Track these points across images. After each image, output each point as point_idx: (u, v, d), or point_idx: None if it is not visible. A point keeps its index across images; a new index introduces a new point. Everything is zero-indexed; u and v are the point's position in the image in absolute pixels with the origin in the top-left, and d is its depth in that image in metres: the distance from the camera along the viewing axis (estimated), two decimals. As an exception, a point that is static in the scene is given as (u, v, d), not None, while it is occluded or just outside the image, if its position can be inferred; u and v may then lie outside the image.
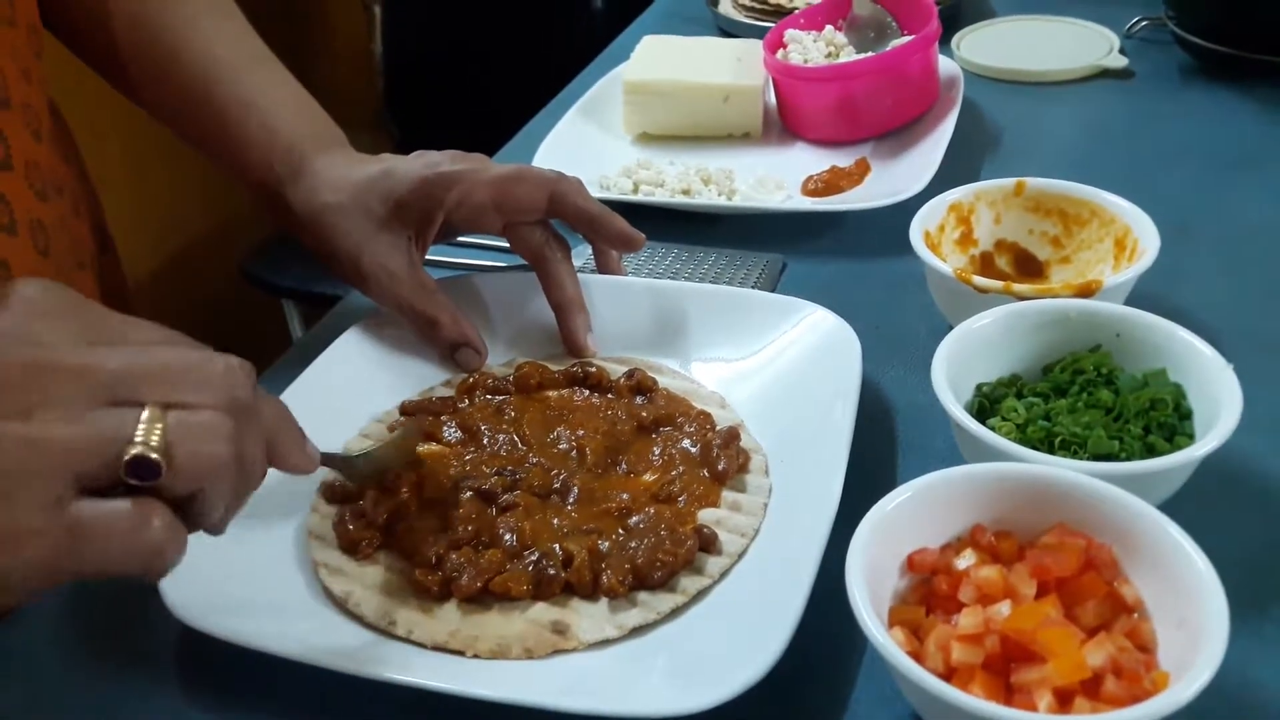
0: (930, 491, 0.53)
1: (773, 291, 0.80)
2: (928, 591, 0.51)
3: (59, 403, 0.40)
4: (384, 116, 2.17)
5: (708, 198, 0.91)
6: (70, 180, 0.72)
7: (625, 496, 0.60)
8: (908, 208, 0.76)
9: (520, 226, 0.72)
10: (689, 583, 0.55)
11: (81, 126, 0.79)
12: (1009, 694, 0.46)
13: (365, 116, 2.12)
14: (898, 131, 0.99)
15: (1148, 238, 0.71)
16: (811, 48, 1.04)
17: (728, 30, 1.24)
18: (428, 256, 0.73)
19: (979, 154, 0.97)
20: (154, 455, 0.40)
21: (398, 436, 0.60)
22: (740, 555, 0.57)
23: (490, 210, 0.70)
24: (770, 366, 0.69)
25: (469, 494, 0.60)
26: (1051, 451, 0.58)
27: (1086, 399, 0.61)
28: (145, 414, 0.41)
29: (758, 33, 1.11)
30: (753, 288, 0.80)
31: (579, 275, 0.73)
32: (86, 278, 0.72)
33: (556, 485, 0.61)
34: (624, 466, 0.62)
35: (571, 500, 0.60)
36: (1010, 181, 0.78)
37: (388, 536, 0.58)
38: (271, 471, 0.48)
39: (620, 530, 0.58)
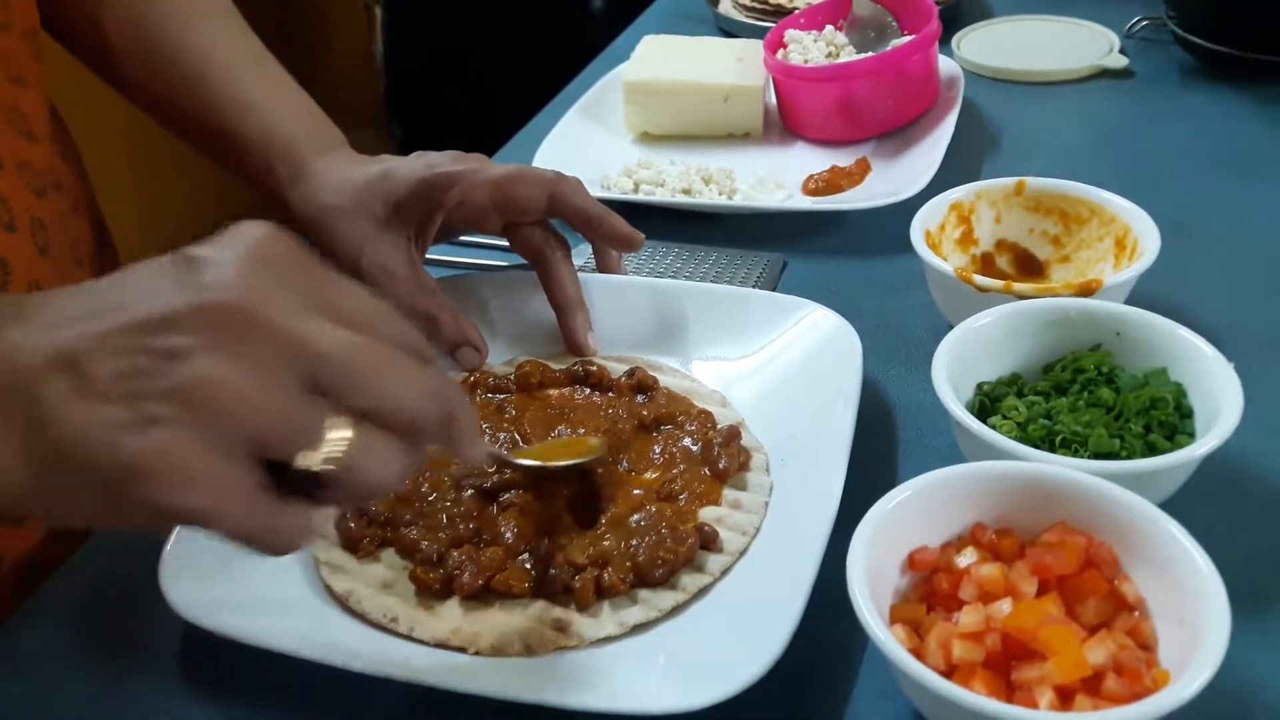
0: (931, 490, 0.53)
1: (773, 291, 0.80)
2: (929, 589, 0.51)
3: (262, 364, 0.38)
4: (385, 117, 2.18)
5: (708, 197, 0.91)
6: (68, 178, 0.72)
7: (637, 492, 0.60)
8: (908, 207, 0.76)
9: (520, 226, 0.72)
10: (690, 580, 0.55)
11: (84, 126, 0.79)
12: (1010, 692, 0.46)
13: (366, 117, 2.12)
14: (898, 131, 0.99)
15: (1148, 237, 0.71)
16: (812, 48, 1.05)
17: (728, 30, 1.24)
18: (428, 256, 0.73)
19: (979, 154, 0.97)
20: (327, 469, 0.39)
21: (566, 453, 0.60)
22: (741, 553, 0.57)
23: (490, 210, 0.70)
24: (771, 365, 0.69)
25: (470, 492, 0.60)
26: (1052, 450, 0.58)
27: (1087, 398, 0.61)
28: (335, 431, 0.39)
29: (758, 33, 1.11)
30: (753, 287, 0.80)
31: (579, 274, 0.73)
32: (84, 274, 0.72)
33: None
34: (625, 465, 0.62)
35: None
36: (1011, 181, 0.78)
37: (389, 534, 0.58)
38: None
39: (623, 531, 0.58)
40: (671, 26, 1.17)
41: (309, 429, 0.39)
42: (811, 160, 0.98)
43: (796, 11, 1.10)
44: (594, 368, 0.69)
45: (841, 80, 0.97)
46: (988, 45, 1.15)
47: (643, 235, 0.73)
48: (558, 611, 0.54)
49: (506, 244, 0.73)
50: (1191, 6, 1.07)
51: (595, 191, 0.77)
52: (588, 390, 0.68)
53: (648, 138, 1.03)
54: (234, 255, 0.40)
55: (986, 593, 0.49)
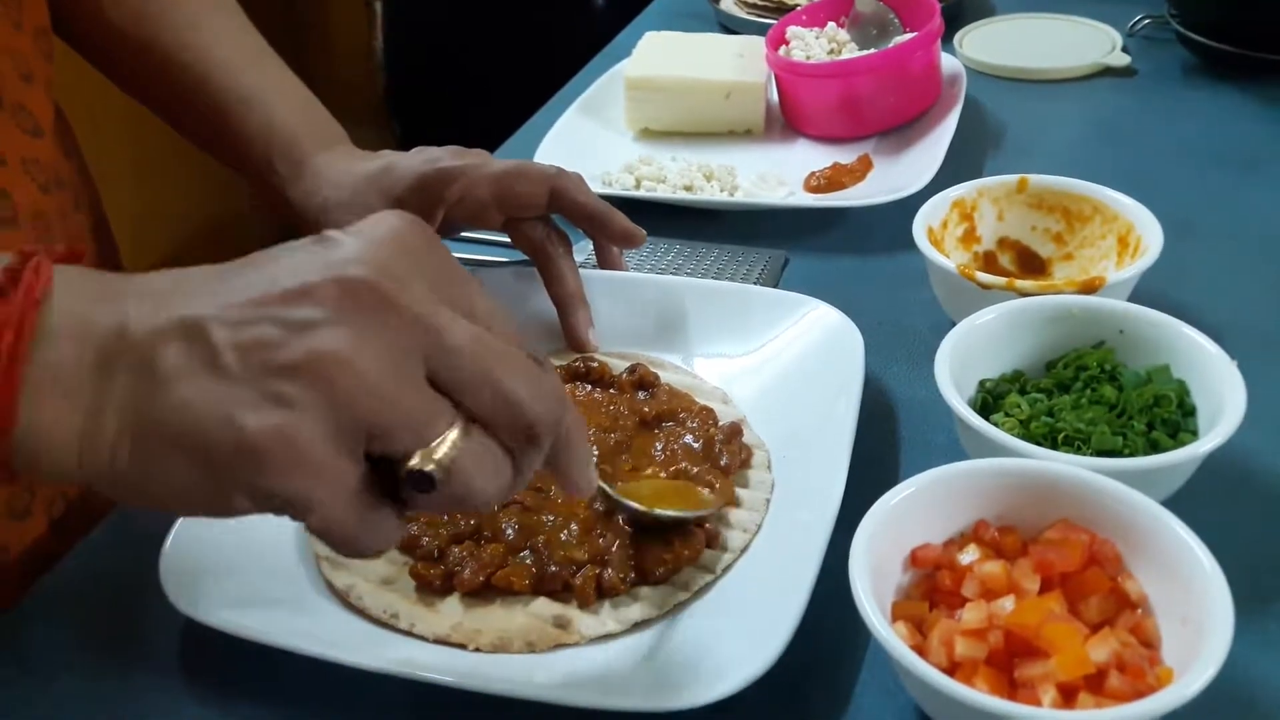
0: (933, 487, 0.53)
1: (775, 287, 0.80)
2: (931, 586, 0.51)
3: (390, 346, 0.37)
4: (385, 112, 2.17)
5: (710, 194, 0.91)
6: (70, 174, 0.72)
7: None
8: (910, 204, 0.76)
9: (521, 222, 0.72)
10: (692, 578, 0.55)
11: (85, 121, 0.79)
12: (1012, 689, 0.46)
13: (366, 112, 2.12)
14: (900, 128, 0.99)
15: (1151, 234, 0.70)
16: (814, 44, 1.04)
17: (730, 27, 1.24)
18: (430, 251, 0.73)
19: (982, 151, 0.97)
20: (436, 472, 0.38)
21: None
22: (743, 551, 0.57)
23: (491, 206, 0.70)
24: (773, 362, 0.69)
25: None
26: (1055, 447, 0.58)
27: (1090, 395, 0.61)
28: (453, 432, 0.38)
29: (760, 29, 1.11)
30: (755, 283, 0.80)
31: (580, 270, 0.73)
32: None
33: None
34: (627, 461, 0.62)
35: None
36: (1013, 178, 0.78)
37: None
38: None
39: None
40: (673, 23, 1.17)
41: (425, 424, 0.38)
42: (813, 157, 0.98)
43: (798, 8, 1.10)
44: (595, 364, 0.68)
45: (843, 77, 0.97)
46: (990, 43, 1.15)
47: (644, 232, 0.73)
48: (558, 608, 0.54)
49: (507, 240, 0.73)
50: (1194, 4, 1.07)
51: (597, 188, 0.77)
52: (589, 387, 0.68)
53: (649, 134, 1.03)
54: (373, 237, 0.39)
55: (989, 590, 0.49)
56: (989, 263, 0.78)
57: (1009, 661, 0.47)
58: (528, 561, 0.56)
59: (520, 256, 0.74)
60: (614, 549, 0.56)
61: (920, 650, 0.47)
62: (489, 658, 0.52)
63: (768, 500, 0.60)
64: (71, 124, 0.76)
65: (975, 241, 0.78)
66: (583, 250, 0.78)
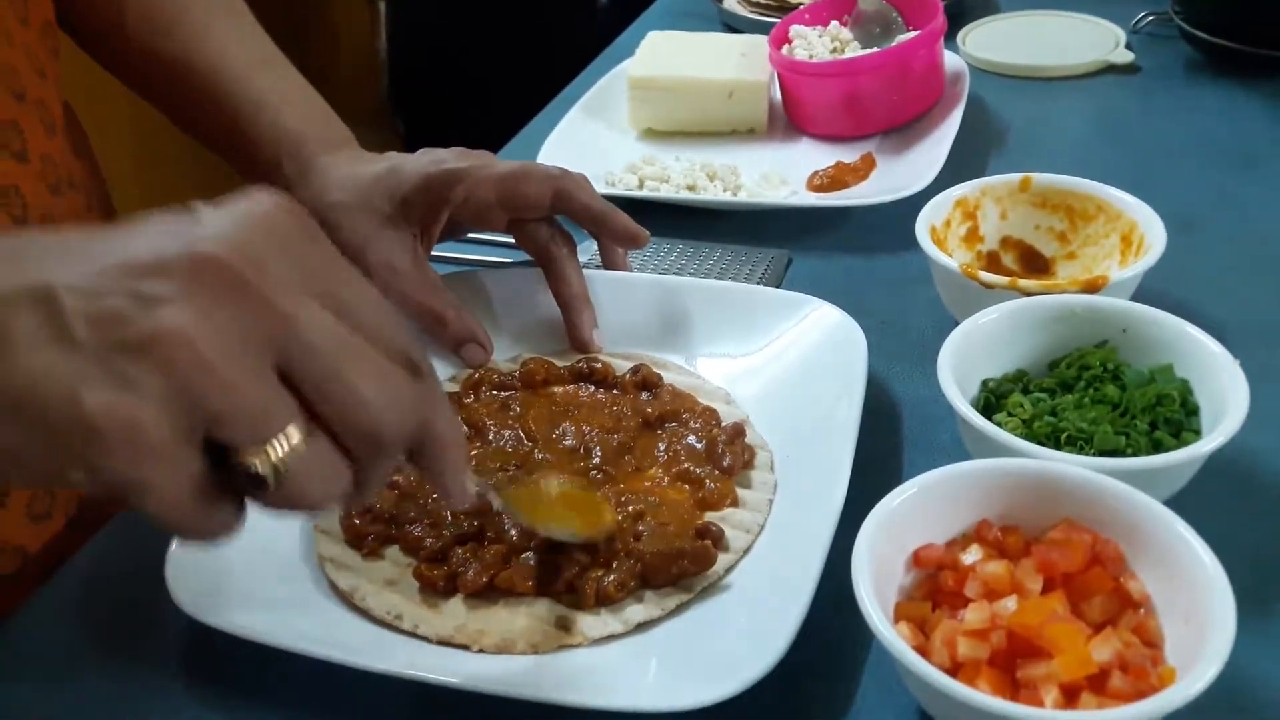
0: (936, 487, 0.53)
1: (778, 287, 0.80)
2: (934, 587, 0.51)
3: (237, 330, 0.36)
4: (389, 113, 2.18)
5: (713, 193, 0.91)
6: (83, 175, 0.72)
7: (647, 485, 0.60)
8: (913, 203, 0.76)
9: (526, 223, 0.72)
10: (695, 579, 0.55)
11: (93, 122, 0.79)
12: (1015, 689, 0.46)
13: (370, 113, 2.12)
14: (903, 127, 0.99)
15: (1154, 233, 0.70)
16: (817, 43, 1.04)
17: (733, 26, 1.24)
18: (433, 253, 0.73)
19: (985, 150, 0.97)
20: (268, 474, 0.37)
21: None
22: (745, 551, 0.57)
23: (495, 207, 0.70)
24: (776, 362, 0.69)
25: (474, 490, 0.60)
26: (1057, 447, 0.58)
27: (1093, 394, 0.61)
28: (293, 432, 0.37)
29: (763, 28, 1.11)
30: (758, 283, 0.80)
31: (584, 271, 0.73)
32: None
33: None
34: (630, 462, 0.62)
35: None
36: (1016, 177, 0.78)
37: (393, 531, 0.58)
38: None
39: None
40: (676, 22, 1.17)
41: (262, 417, 0.37)
42: (816, 156, 0.98)
43: (801, 7, 1.10)
44: (598, 365, 0.68)
45: (846, 76, 0.97)
46: (993, 40, 1.14)
47: (648, 232, 0.73)
48: (562, 609, 0.54)
49: (512, 241, 0.73)
50: (1198, 2, 1.06)
51: (600, 188, 0.77)
52: (592, 387, 0.68)
53: (652, 134, 1.03)
54: (239, 215, 0.38)
55: (992, 590, 0.49)
56: (992, 262, 0.78)
57: (1011, 662, 0.47)
58: (530, 563, 0.56)
59: (524, 257, 0.74)
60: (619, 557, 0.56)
61: (923, 651, 0.47)
62: (492, 659, 0.52)
63: (770, 501, 0.60)
64: (81, 124, 0.76)
65: (978, 240, 0.78)
66: (586, 251, 0.79)
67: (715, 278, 0.81)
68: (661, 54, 1.05)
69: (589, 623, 0.54)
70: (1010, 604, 0.48)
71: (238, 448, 0.37)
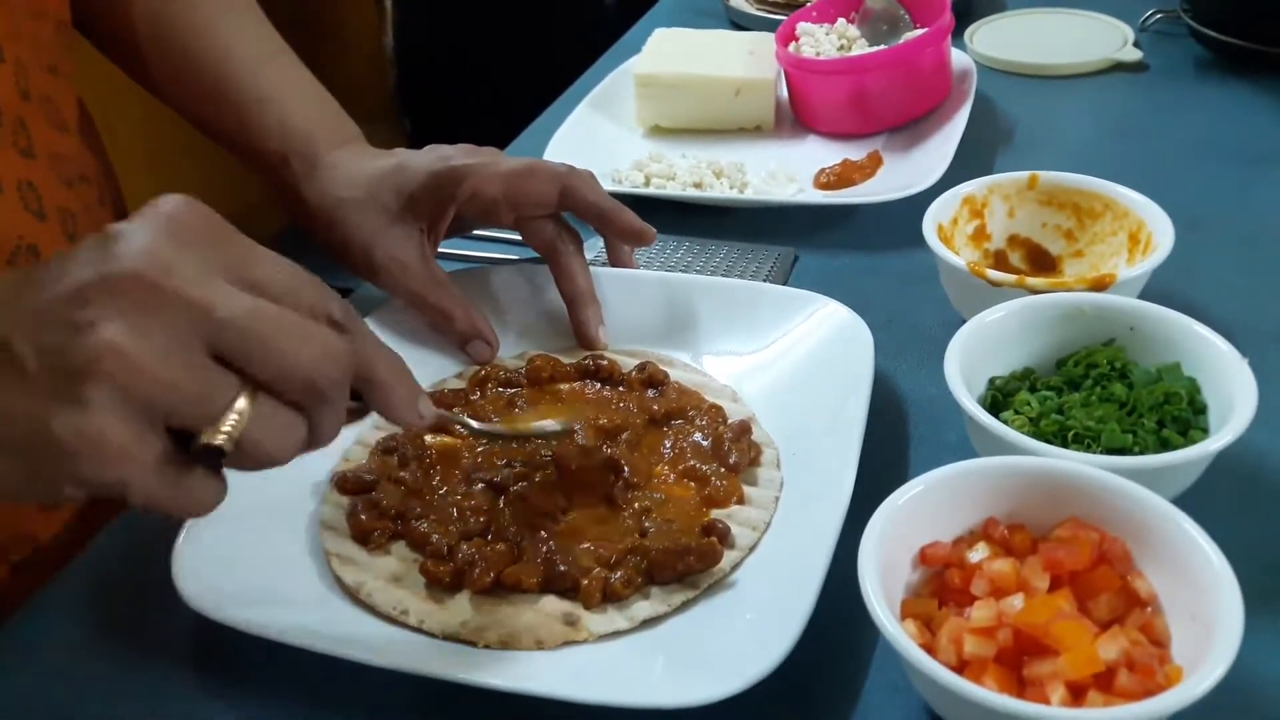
0: (943, 485, 0.53)
1: (785, 285, 0.80)
2: (940, 585, 0.51)
3: (165, 332, 0.40)
4: (396, 110, 2.18)
5: (719, 191, 0.91)
6: (95, 171, 0.73)
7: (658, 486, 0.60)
8: (920, 201, 0.76)
9: (532, 220, 0.72)
10: (700, 576, 0.55)
11: (102, 117, 0.80)
12: (1021, 687, 0.46)
13: (377, 110, 2.12)
14: (910, 125, 0.99)
15: (1161, 231, 0.70)
16: (824, 40, 1.04)
17: (739, 23, 1.24)
18: (440, 249, 0.73)
19: (992, 147, 0.97)
20: (225, 444, 0.41)
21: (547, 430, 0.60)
22: (752, 548, 0.57)
23: (502, 204, 0.70)
24: (782, 360, 0.69)
25: (480, 486, 0.60)
26: (1065, 445, 0.57)
27: (1100, 393, 0.60)
28: (240, 402, 0.41)
29: (769, 25, 1.11)
30: (764, 281, 0.80)
31: (590, 268, 0.73)
32: None
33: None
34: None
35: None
36: (1024, 175, 0.77)
37: (399, 527, 0.58)
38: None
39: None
40: (682, 20, 1.17)
41: (206, 401, 0.41)
42: (823, 154, 0.98)
43: (808, 4, 1.10)
44: (605, 362, 0.68)
45: (853, 73, 0.97)
46: (1000, 38, 1.14)
47: (654, 229, 0.73)
48: (567, 605, 0.54)
49: (518, 237, 0.73)
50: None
51: (606, 185, 0.77)
52: (598, 384, 0.68)
53: (659, 131, 1.03)
54: (144, 227, 0.42)
55: (998, 588, 0.49)
56: (999, 260, 0.78)
57: (1018, 660, 0.47)
58: (537, 560, 0.56)
59: (531, 254, 0.74)
60: (625, 554, 0.56)
61: (929, 648, 0.47)
62: (498, 654, 0.52)
63: (777, 498, 0.60)
64: (93, 120, 0.77)
65: (986, 239, 0.78)
66: (593, 248, 0.79)
67: (722, 275, 0.81)
68: (668, 51, 1.05)
69: (595, 619, 0.54)
70: (1017, 602, 0.48)
71: (194, 430, 0.41)
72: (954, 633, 0.47)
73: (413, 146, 0.73)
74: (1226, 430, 0.55)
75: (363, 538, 0.58)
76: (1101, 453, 0.57)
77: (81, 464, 0.40)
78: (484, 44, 2.05)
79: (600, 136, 1.00)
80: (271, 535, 0.58)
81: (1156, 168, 0.91)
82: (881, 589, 0.47)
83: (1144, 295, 0.68)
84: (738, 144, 1.00)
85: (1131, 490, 0.51)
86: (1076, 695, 0.45)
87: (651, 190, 0.91)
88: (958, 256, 0.70)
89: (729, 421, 0.64)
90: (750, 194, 0.91)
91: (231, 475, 0.44)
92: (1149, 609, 0.49)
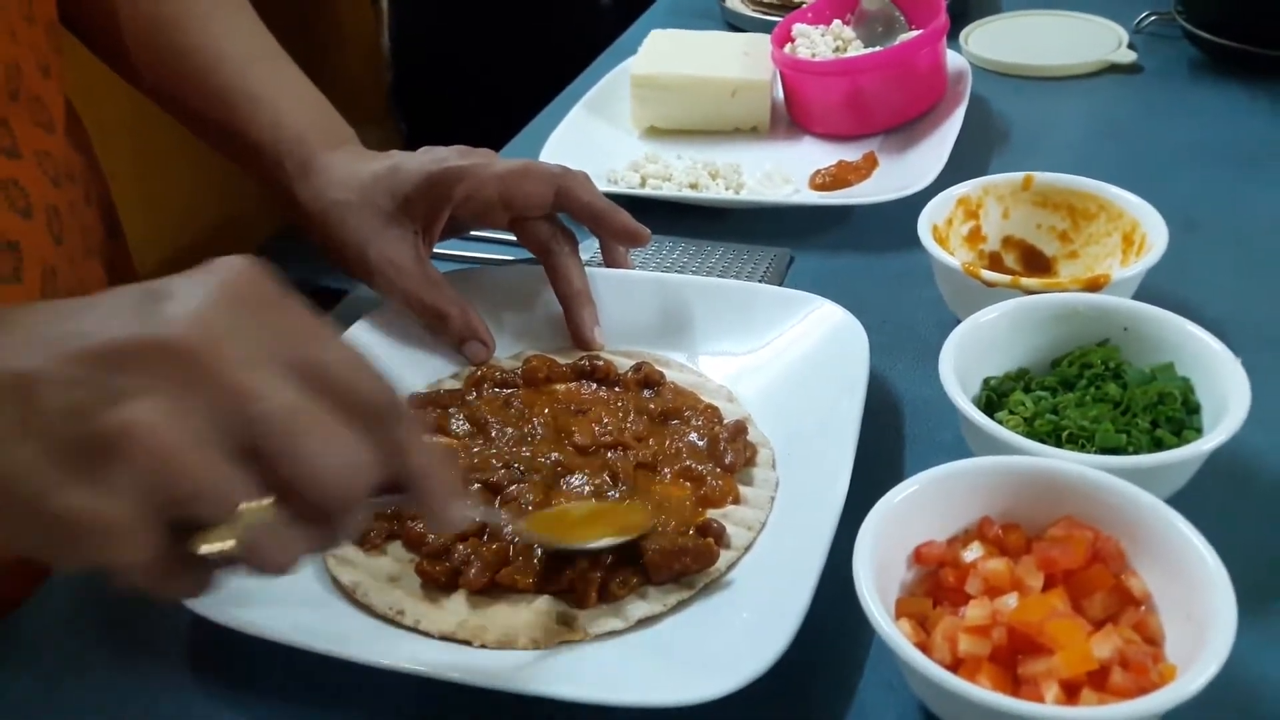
0: (937, 484, 0.53)
1: (780, 285, 0.80)
2: (935, 584, 0.51)
3: (196, 415, 0.37)
4: (392, 111, 2.18)
5: (715, 192, 0.91)
6: (81, 168, 0.72)
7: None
8: (916, 202, 0.76)
9: (527, 221, 0.72)
10: (696, 575, 0.55)
11: (93, 117, 0.80)
12: (1016, 686, 0.46)
13: (373, 111, 2.12)
14: (906, 126, 0.99)
15: (1156, 232, 0.71)
16: (819, 42, 1.04)
17: (735, 25, 1.24)
18: (435, 250, 0.74)
19: (987, 148, 0.97)
20: (235, 551, 0.39)
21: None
22: (747, 548, 0.57)
23: (497, 205, 0.70)
24: (778, 360, 0.69)
25: (477, 486, 0.60)
26: (1059, 445, 0.58)
27: (1094, 393, 0.61)
28: (253, 506, 0.38)
29: (765, 27, 1.11)
30: (760, 282, 0.80)
31: (586, 269, 0.73)
32: (95, 265, 0.73)
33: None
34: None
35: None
36: (1018, 176, 0.78)
37: (395, 527, 0.58)
38: None
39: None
40: (679, 21, 1.17)
41: (221, 498, 0.38)
42: (819, 155, 0.98)
43: (804, 6, 1.10)
44: (601, 362, 0.69)
45: (849, 75, 0.97)
46: (996, 40, 1.15)
47: (649, 230, 0.73)
48: (563, 605, 0.54)
49: (514, 238, 0.74)
50: (1201, 1, 1.06)
51: (602, 186, 0.77)
52: (594, 385, 0.68)
53: (654, 132, 1.03)
54: (201, 290, 0.39)
55: (993, 587, 0.49)
56: (994, 261, 0.78)
57: (1012, 658, 0.47)
58: (533, 560, 0.56)
59: (527, 255, 0.75)
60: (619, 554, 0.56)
61: (924, 647, 0.47)
62: (494, 654, 0.52)
63: (772, 498, 0.60)
64: (80, 117, 0.76)
65: (980, 239, 0.78)
66: (588, 249, 0.79)
67: (717, 276, 0.81)
68: (664, 52, 1.05)
69: (591, 619, 0.54)
70: (1011, 601, 0.48)
71: (201, 524, 0.39)
72: (949, 631, 0.48)
73: (408, 147, 0.73)
74: (1220, 430, 0.55)
75: (359, 538, 0.58)
76: (1096, 452, 0.57)
77: (79, 543, 0.37)
78: (480, 45, 2.05)
79: (596, 137, 1.00)
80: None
81: (1151, 169, 0.91)
82: (876, 588, 0.47)
83: (1138, 296, 0.68)
84: (733, 145, 1.00)
85: (1125, 490, 0.51)
86: (1070, 694, 0.45)
87: (647, 191, 0.91)
88: (953, 257, 0.70)
89: (724, 422, 0.64)
90: (746, 195, 0.92)
91: None
92: (1143, 608, 0.49)
